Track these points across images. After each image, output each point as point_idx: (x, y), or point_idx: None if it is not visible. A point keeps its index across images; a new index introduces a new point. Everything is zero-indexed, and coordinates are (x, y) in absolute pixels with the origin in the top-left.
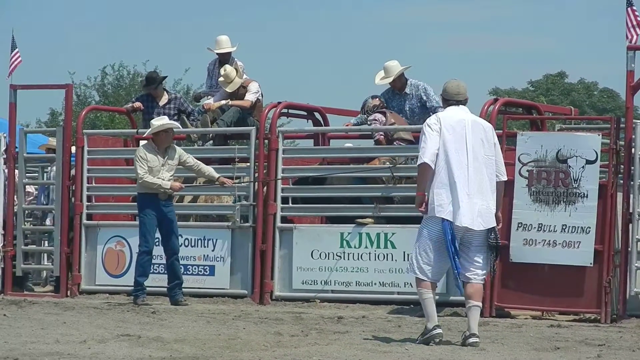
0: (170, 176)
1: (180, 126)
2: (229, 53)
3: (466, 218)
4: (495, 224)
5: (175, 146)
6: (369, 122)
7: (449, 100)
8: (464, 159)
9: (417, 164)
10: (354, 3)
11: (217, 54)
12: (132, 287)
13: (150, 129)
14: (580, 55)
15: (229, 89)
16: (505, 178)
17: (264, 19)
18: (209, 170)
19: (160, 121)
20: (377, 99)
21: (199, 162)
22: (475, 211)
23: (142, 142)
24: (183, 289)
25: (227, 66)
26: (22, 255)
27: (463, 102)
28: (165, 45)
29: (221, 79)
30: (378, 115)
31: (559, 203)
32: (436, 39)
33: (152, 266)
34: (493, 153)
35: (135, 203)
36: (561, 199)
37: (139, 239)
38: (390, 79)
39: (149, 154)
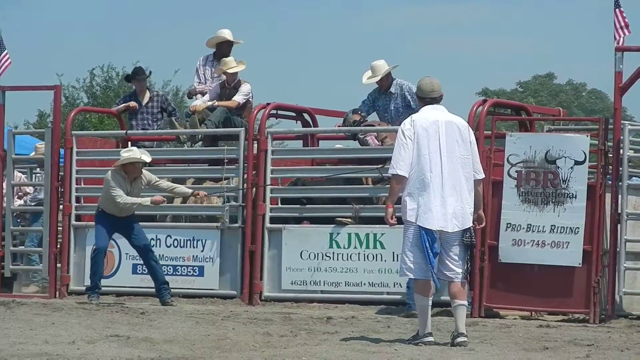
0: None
1: (145, 160)
2: (230, 45)
3: (440, 221)
4: (471, 224)
5: (144, 174)
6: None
7: (424, 98)
8: (438, 161)
9: (390, 173)
10: (344, 4)
11: (218, 47)
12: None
13: (118, 161)
14: (569, 56)
15: (230, 71)
16: (482, 176)
17: (253, 20)
18: (182, 188)
19: (128, 152)
20: (358, 113)
21: (171, 183)
22: (449, 213)
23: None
24: (172, 290)
25: (231, 57)
26: (11, 256)
27: (438, 100)
28: (154, 46)
29: (220, 67)
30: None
31: (547, 204)
32: (425, 40)
33: (104, 264)
34: (469, 152)
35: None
36: (550, 200)
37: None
38: (378, 78)
39: (117, 182)
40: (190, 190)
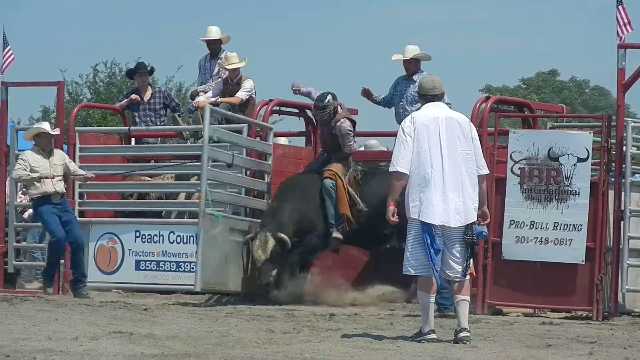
0: (60, 176)
1: (51, 133)
2: (219, 43)
3: (441, 216)
4: (474, 219)
5: (62, 152)
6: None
7: (425, 95)
8: (438, 157)
9: (390, 170)
10: (347, 2)
11: (207, 45)
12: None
13: (28, 132)
14: (572, 53)
15: (229, 67)
16: (486, 171)
17: (256, 18)
18: (79, 171)
19: (38, 124)
20: (336, 101)
21: (77, 167)
22: (452, 208)
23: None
24: (175, 286)
25: (234, 53)
26: (14, 252)
27: (439, 97)
28: (158, 42)
29: (221, 62)
30: (347, 123)
31: (550, 201)
32: (428, 37)
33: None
34: (471, 147)
35: (126, 199)
36: (553, 197)
37: (48, 234)
38: (405, 58)
39: (33, 155)
40: (83, 173)
